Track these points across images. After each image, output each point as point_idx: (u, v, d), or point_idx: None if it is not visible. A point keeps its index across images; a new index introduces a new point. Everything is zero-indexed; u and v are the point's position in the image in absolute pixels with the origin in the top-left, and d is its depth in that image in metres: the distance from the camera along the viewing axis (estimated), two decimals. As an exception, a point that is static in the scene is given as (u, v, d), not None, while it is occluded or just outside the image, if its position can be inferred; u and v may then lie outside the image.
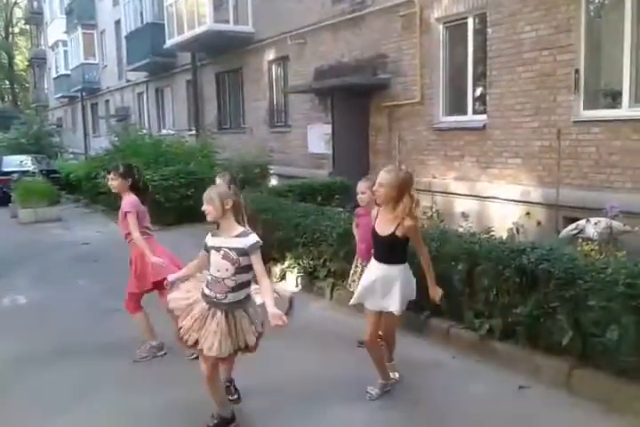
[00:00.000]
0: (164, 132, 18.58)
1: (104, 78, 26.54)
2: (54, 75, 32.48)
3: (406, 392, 3.68)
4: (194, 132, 16.72)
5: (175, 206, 10.36)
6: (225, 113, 16.48)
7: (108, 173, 4.57)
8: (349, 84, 9.96)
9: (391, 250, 3.45)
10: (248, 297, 3.14)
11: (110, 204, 11.66)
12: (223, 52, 15.24)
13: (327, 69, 11.15)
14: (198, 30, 14.45)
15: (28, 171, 14.41)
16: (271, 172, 12.22)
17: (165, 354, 4.42)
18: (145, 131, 16.06)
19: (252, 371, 3.65)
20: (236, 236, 3.03)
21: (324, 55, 11.34)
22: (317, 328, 4.83)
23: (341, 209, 6.30)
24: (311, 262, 5.84)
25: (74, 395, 3.79)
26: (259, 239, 3.05)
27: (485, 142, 7.95)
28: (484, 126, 7.94)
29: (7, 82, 45.48)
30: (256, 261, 3.01)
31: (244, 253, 2.99)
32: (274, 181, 12.44)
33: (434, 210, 7.04)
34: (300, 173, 11.76)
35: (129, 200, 4.48)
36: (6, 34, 44.82)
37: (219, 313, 3.03)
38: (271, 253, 6.28)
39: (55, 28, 31.33)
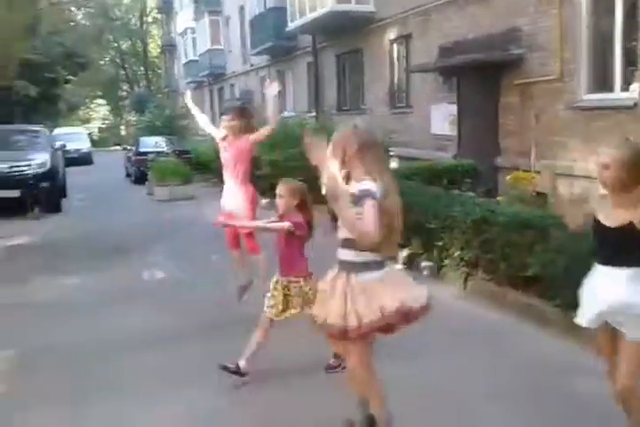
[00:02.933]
0: (284, 114, 18.95)
1: (229, 63, 27.48)
2: (184, 61, 34.18)
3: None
4: (314, 113, 16.88)
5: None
6: (344, 94, 16.42)
7: (226, 115, 4.89)
8: (478, 61, 9.44)
9: (623, 247, 2.60)
10: None
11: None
12: (343, 33, 15.11)
13: (453, 47, 10.65)
14: (321, 11, 14.42)
15: (162, 151, 15.35)
16: (392, 154, 12.03)
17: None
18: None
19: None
20: None
21: (449, 32, 10.84)
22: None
23: (472, 194, 6.00)
24: (441, 249, 5.61)
25: (199, 372, 3.89)
26: None
27: (637, 123, 7.17)
28: (635, 105, 7.17)
29: (142, 68, 48.71)
30: None
31: None
32: (394, 164, 12.23)
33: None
34: (421, 154, 11.44)
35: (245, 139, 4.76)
36: (141, 23, 47.90)
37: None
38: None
39: (184, 16, 32.88)
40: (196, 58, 30.89)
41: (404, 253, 6.17)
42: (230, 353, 3.66)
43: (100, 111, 51.17)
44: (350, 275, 2.62)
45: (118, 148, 43.30)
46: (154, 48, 47.95)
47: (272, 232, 3.73)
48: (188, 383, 3.70)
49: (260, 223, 3.72)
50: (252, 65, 24.09)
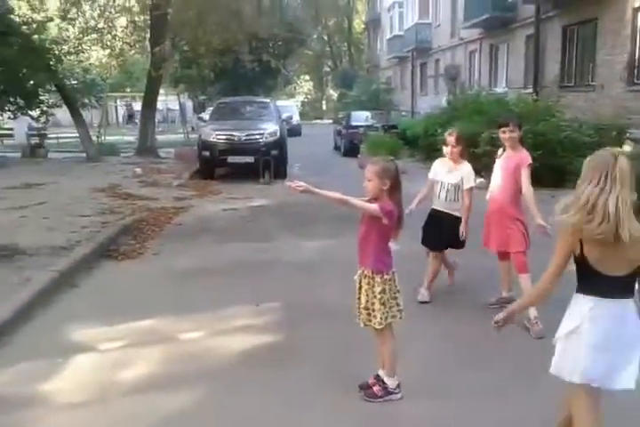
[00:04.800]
0: (496, 90, 18.18)
1: (435, 37, 26.98)
2: (388, 36, 34.33)
3: None
4: (530, 90, 15.94)
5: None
6: (569, 69, 15.20)
7: (504, 125, 4.51)
8: None
9: None
10: None
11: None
12: (573, 1, 13.91)
13: None
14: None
15: (372, 125, 15.75)
16: (626, 136, 10.93)
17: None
18: (475, 89, 15.98)
19: None
20: None
21: None
22: None
23: None
24: None
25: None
26: None
27: None
28: None
29: (345, 44, 50.04)
30: None
31: None
32: (627, 147, 11.12)
33: None
34: (664, 138, 10.24)
35: (526, 154, 4.43)
36: (347, -1, 49.06)
37: None
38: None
39: (392, -10, 32.89)
40: (401, 33, 30.82)
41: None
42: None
43: (304, 86, 53.86)
44: None
45: (319, 121, 45.54)
46: (358, 24, 48.86)
47: (353, 210, 3.21)
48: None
49: (346, 198, 3.09)
50: (461, 39, 23.38)
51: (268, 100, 14.63)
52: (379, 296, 3.21)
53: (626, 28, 12.29)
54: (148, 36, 16.53)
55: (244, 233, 7.58)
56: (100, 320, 4.52)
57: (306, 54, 36.39)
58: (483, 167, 11.26)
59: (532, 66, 16.29)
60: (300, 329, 4.35)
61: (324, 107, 54.35)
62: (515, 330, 4.00)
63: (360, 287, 3.29)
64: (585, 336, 2.36)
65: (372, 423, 3.14)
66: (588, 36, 14.05)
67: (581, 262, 2.34)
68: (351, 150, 15.93)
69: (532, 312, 4.22)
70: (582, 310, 2.38)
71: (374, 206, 3.11)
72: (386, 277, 3.22)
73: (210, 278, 5.57)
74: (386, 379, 3.35)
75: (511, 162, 4.45)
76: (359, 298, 3.30)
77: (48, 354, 3.92)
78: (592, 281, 2.36)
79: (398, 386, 3.36)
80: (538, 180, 8.71)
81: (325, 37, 47.73)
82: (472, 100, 13.52)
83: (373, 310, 3.23)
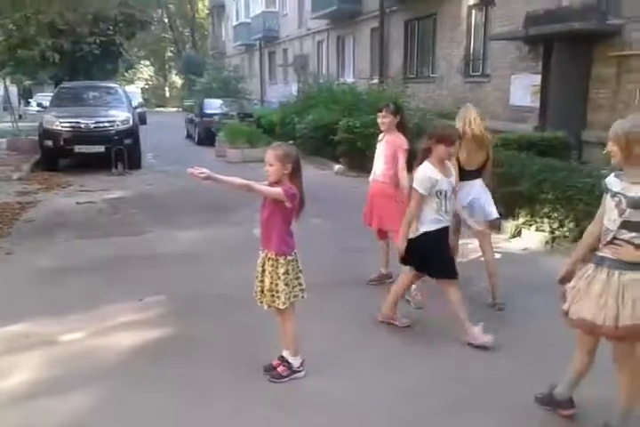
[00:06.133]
0: (345, 79, 18.86)
1: (283, 27, 27.24)
2: (234, 23, 33.95)
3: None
4: (376, 80, 16.78)
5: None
6: (411, 62, 16.26)
7: (379, 111, 4.77)
8: (574, 30, 9.28)
9: None
10: None
11: (305, 149, 12.27)
12: (415, -3, 14.89)
13: (543, 14, 10.45)
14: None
15: (227, 113, 15.53)
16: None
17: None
18: (325, 78, 16.47)
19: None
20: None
21: (535, -1, 10.63)
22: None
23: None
24: (555, 221, 5.71)
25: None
26: None
27: None
28: None
29: (188, 29, 48.48)
30: None
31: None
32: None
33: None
34: (497, 126, 11.30)
35: (402, 139, 4.68)
36: (189, -18, 47.40)
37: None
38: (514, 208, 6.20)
39: (237, -24, 32.52)
40: (248, 20, 30.67)
41: (510, 223, 6.29)
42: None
43: (144, 72, 51.34)
44: (616, 273, 2.59)
45: (162, 109, 43.79)
46: (201, 9, 47.62)
47: (257, 194, 3.23)
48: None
49: (250, 183, 3.10)
50: (308, 29, 23.87)
51: (117, 86, 13.77)
52: (282, 277, 3.25)
53: (462, 24, 13.41)
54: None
55: (109, 227, 7.12)
56: (-43, 329, 4.01)
57: (148, 38, 34.63)
58: (341, 154, 11.76)
59: (378, 58, 17.17)
60: (193, 319, 4.23)
61: (167, 94, 52.41)
62: (402, 306, 4.27)
63: (263, 271, 3.29)
64: None
65: (280, 403, 3.17)
66: (428, 30, 15.11)
67: None
68: (207, 139, 15.61)
69: (413, 285, 4.54)
70: None
71: (278, 190, 3.15)
72: (289, 258, 3.27)
73: (79, 276, 5.17)
74: (290, 359, 3.41)
75: (389, 148, 4.69)
76: (262, 281, 3.31)
77: None
78: None
79: (302, 364, 3.43)
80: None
81: (167, 21, 45.82)
82: (326, 89, 13.89)
83: (277, 291, 3.26)
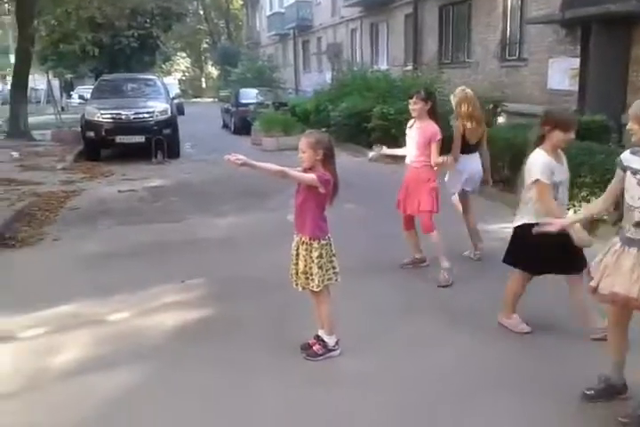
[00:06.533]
0: (379, 67, 18.78)
1: (317, 15, 27.20)
2: (268, 13, 34.02)
3: None
4: (410, 67, 16.67)
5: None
6: (446, 47, 16.05)
7: (410, 97, 4.80)
8: (611, 12, 9.05)
9: None
10: None
11: (339, 137, 12.34)
12: (449, -18, 14.69)
13: (581, -4, 10.21)
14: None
15: (262, 103, 15.68)
16: (499, 110, 11.83)
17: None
18: (359, 66, 16.44)
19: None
20: None
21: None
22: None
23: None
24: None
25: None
26: None
27: None
28: None
29: (223, 21, 48.79)
30: None
31: None
32: (501, 119, 12.05)
33: None
34: (534, 110, 11.16)
35: (435, 127, 4.70)
36: (222, -26, 47.63)
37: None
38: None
39: (271, -34, 32.52)
40: (282, 10, 30.69)
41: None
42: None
43: (180, 64, 51.98)
44: None
45: (199, 99, 44.31)
46: (235, 0, 47.80)
47: (292, 180, 3.32)
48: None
49: (284, 169, 3.17)
50: (341, 17, 23.78)
51: (155, 77, 14.06)
52: (316, 261, 3.34)
53: (498, 8, 13.18)
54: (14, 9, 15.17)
55: (149, 214, 7.35)
56: (12, 309, 4.25)
57: (183, 30, 35.03)
58: (375, 141, 11.77)
59: (412, 44, 17.02)
60: (233, 301, 4.38)
61: (204, 85, 52.92)
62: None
63: (297, 254, 3.40)
64: None
65: (316, 381, 3.29)
66: (463, 15, 14.89)
67: None
68: (243, 128, 15.81)
69: (444, 264, 4.61)
70: None
71: (312, 176, 3.22)
72: (322, 242, 3.36)
73: (122, 261, 5.39)
74: (325, 338, 3.52)
75: (422, 136, 4.72)
76: (296, 264, 3.41)
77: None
78: None
79: (337, 343, 3.54)
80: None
81: (202, 13, 46.20)
82: (360, 77, 13.89)
83: (311, 274, 3.36)
